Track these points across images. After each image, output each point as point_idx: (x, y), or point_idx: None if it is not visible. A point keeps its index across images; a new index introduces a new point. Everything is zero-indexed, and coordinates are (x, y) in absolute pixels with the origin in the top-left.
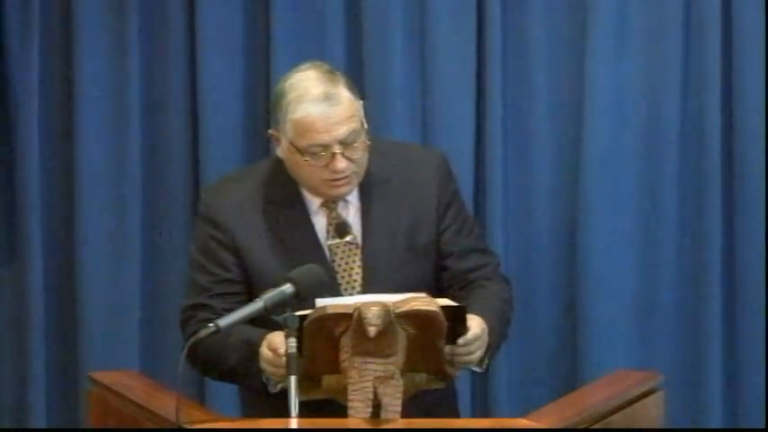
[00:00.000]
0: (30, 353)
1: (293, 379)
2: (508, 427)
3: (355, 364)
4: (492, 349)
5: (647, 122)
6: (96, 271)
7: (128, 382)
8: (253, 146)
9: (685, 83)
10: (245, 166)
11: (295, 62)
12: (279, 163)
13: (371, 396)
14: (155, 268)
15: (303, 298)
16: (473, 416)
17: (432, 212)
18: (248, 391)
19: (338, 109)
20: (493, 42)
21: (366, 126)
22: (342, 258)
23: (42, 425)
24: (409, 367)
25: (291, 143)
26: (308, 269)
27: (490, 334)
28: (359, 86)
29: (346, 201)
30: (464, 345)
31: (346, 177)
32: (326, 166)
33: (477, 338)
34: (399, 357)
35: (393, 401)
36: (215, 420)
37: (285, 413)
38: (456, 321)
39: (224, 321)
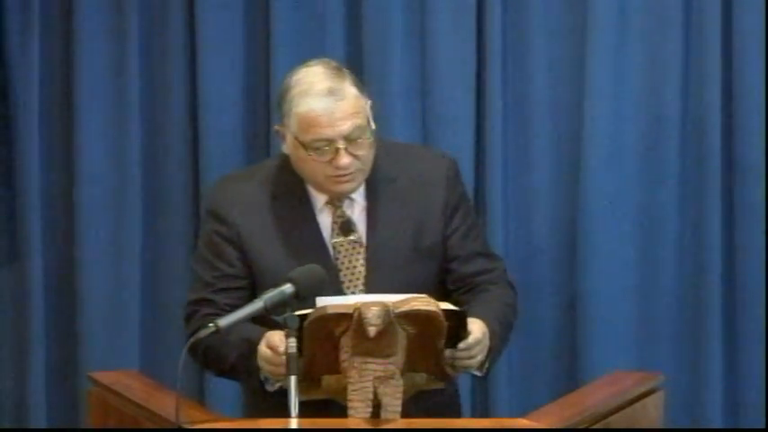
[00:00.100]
0: (30, 353)
1: (293, 379)
2: (508, 427)
3: (355, 364)
4: (493, 353)
5: (647, 122)
6: (96, 271)
7: (127, 382)
8: (253, 146)
9: (685, 83)
10: (251, 164)
11: (295, 62)
12: (285, 160)
13: (371, 396)
14: (155, 268)
15: (303, 298)
16: (473, 416)
17: (438, 214)
18: (249, 390)
19: (342, 104)
20: (493, 42)
21: (374, 126)
22: (345, 256)
23: (42, 425)
24: (409, 367)
25: (296, 138)
26: (309, 269)
27: (491, 338)
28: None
29: (352, 199)
30: (465, 349)
31: (350, 174)
32: (330, 161)
33: (478, 342)
34: (399, 357)
35: (393, 401)
36: (215, 420)
37: (287, 413)
38: (457, 325)
39: (224, 321)
